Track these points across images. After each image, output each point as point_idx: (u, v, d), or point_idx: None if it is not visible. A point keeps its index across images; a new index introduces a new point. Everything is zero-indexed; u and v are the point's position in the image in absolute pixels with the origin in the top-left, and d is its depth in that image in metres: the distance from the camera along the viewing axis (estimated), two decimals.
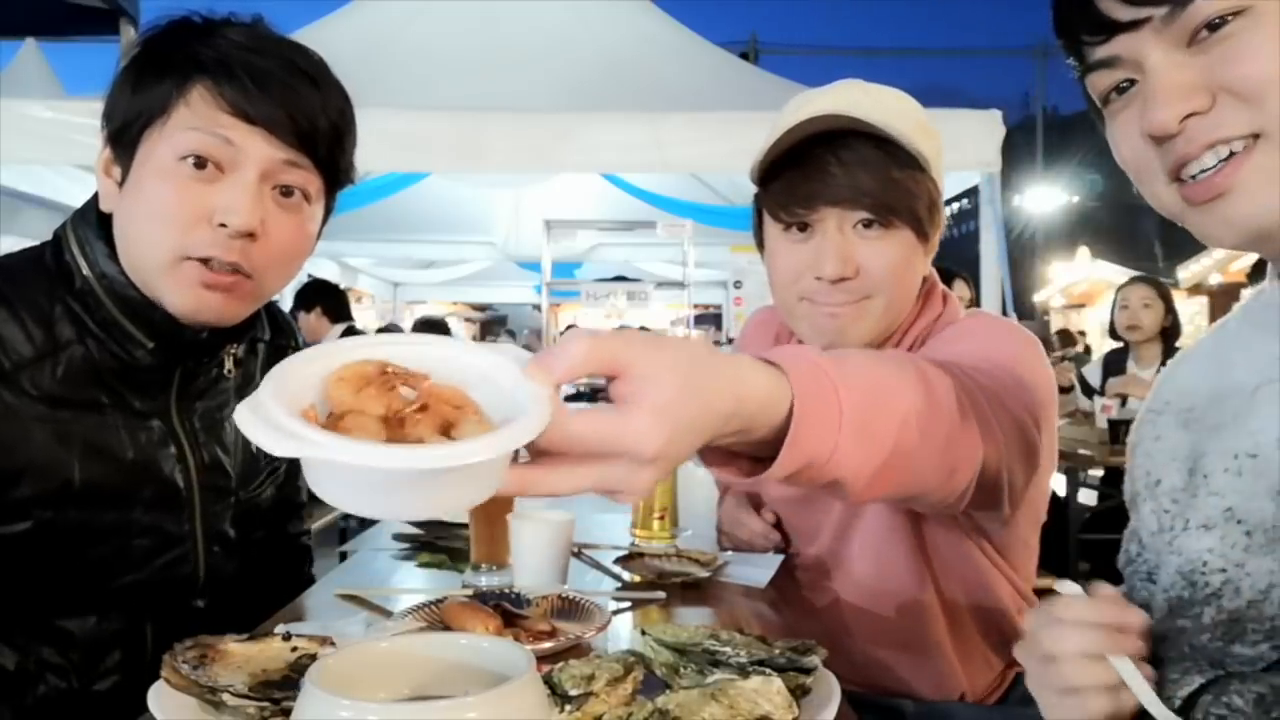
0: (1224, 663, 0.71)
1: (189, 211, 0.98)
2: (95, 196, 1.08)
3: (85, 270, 1.04)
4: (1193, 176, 0.69)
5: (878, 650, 1.33)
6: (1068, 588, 0.72)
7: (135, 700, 0.78)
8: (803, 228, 1.14)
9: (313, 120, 1.02)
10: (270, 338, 1.27)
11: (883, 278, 1.13)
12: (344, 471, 0.52)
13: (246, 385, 1.21)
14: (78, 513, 1.02)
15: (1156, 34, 0.68)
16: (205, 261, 0.99)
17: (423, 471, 0.51)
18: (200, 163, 0.98)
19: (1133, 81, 0.71)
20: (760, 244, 1.26)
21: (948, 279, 3.44)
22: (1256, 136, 0.67)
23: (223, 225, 0.98)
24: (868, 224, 1.12)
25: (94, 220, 1.06)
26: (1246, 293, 4.35)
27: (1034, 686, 0.73)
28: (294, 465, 1.36)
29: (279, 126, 1.00)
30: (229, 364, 1.16)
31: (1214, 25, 0.66)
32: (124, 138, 1.02)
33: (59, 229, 1.09)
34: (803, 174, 1.11)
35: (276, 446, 0.50)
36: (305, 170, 1.04)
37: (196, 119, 0.98)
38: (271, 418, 0.51)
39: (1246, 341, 0.78)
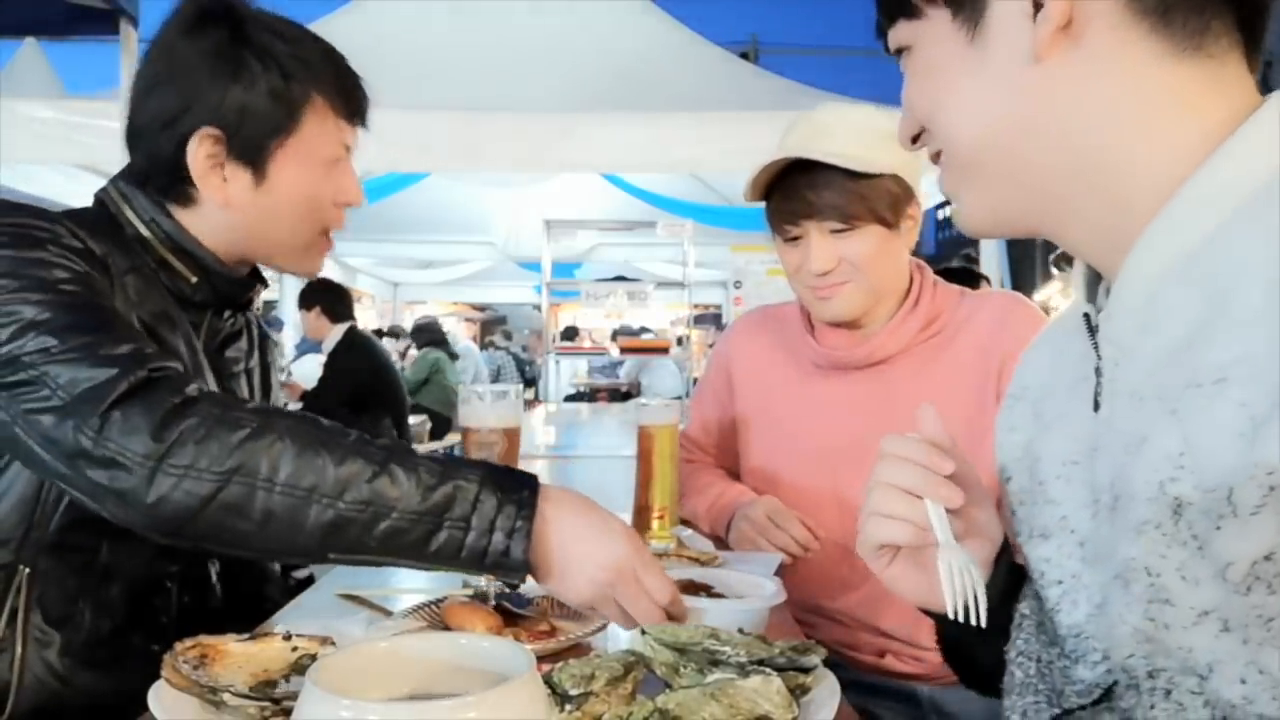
0: (1064, 693, 0.69)
1: (327, 199, 1.17)
2: (134, 174, 1.13)
3: (135, 222, 1.12)
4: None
5: (908, 629, 1.41)
6: (926, 412, 0.78)
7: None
8: (794, 237, 1.44)
9: None
10: (259, 320, 1.38)
11: (857, 266, 1.42)
12: None
13: (252, 346, 1.32)
14: None
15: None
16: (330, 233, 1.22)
17: None
18: (334, 165, 1.17)
19: None
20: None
21: (974, 280, 3.41)
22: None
23: (347, 203, 1.20)
24: (838, 229, 1.40)
25: (139, 189, 1.13)
26: None
27: (864, 512, 0.78)
28: None
29: (363, 123, 1.20)
30: (258, 301, 1.29)
31: (899, 56, 0.74)
32: (252, 144, 1.10)
33: (99, 193, 1.15)
34: (786, 198, 1.43)
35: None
36: None
37: (329, 129, 1.15)
38: None
39: (1071, 332, 0.75)
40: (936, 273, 1.54)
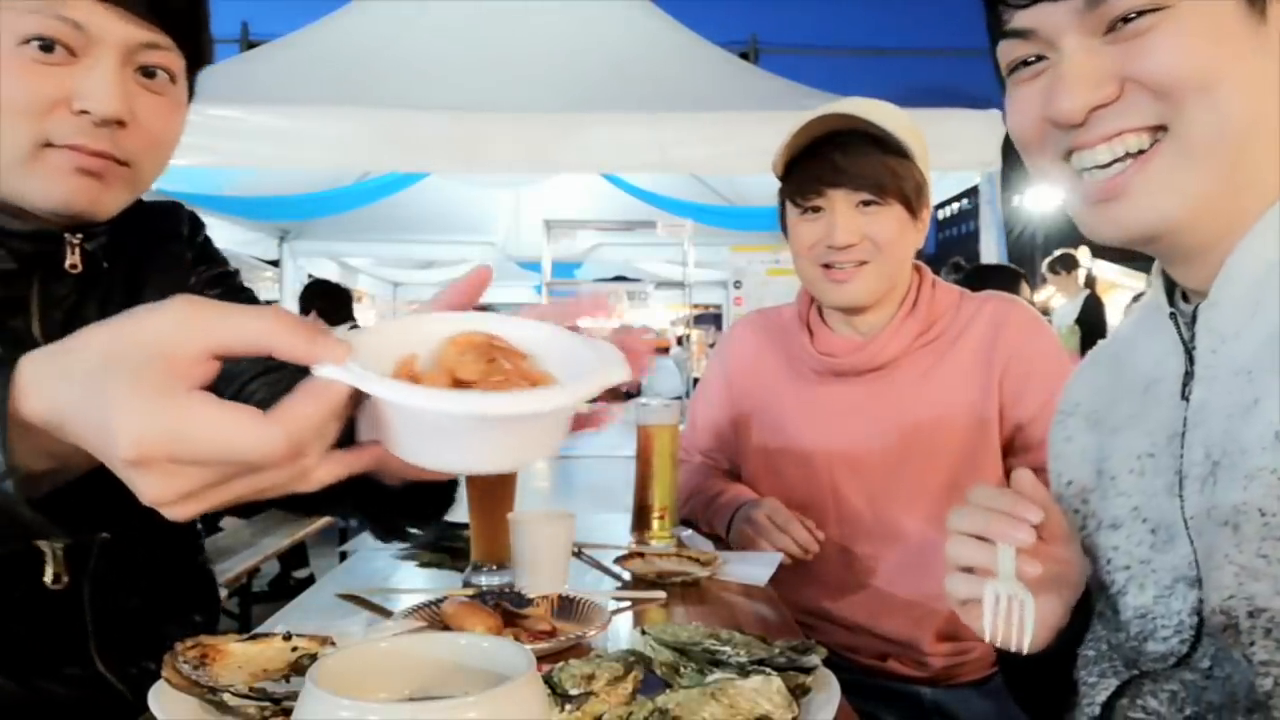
0: (1138, 662, 0.73)
1: (42, 97, 0.86)
2: None
3: None
4: (1089, 170, 0.70)
5: (909, 634, 1.42)
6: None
7: None
8: (816, 209, 1.42)
9: None
10: (147, 236, 1.08)
11: (878, 246, 1.40)
12: (410, 417, 0.57)
13: (114, 282, 1.03)
14: None
15: (1078, 15, 0.68)
16: (75, 148, 0.88)
17: (480, 419, 0.55)
18: (46, 45, 0.86)
19: (1041, 58, 0.72)
20: (784, 229, 1.51)
21: (1014, 279, 3.35)
22: (1159, 130, 0.67)
23: (84, 112, 0.87)
24: (867, 202, 1.39)
25: None
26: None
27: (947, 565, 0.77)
28: None
29: (133, 4, 0.89)
30: (73, 257, 0.98)
31: (1131, 18, 0.67)
32: None
33: None
34: (815, 166, 1.40)
35: (364, 384, 0.54)
36: (167, 50, 0.93)
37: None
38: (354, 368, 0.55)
39: (1136, 343, 0.82)
40: (973, 271, 1.56)
